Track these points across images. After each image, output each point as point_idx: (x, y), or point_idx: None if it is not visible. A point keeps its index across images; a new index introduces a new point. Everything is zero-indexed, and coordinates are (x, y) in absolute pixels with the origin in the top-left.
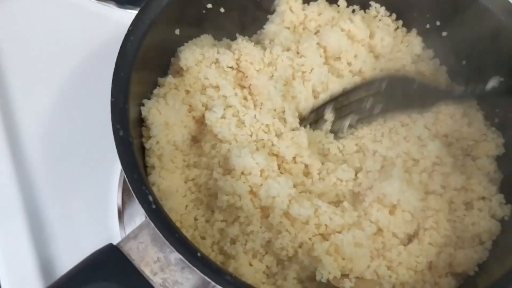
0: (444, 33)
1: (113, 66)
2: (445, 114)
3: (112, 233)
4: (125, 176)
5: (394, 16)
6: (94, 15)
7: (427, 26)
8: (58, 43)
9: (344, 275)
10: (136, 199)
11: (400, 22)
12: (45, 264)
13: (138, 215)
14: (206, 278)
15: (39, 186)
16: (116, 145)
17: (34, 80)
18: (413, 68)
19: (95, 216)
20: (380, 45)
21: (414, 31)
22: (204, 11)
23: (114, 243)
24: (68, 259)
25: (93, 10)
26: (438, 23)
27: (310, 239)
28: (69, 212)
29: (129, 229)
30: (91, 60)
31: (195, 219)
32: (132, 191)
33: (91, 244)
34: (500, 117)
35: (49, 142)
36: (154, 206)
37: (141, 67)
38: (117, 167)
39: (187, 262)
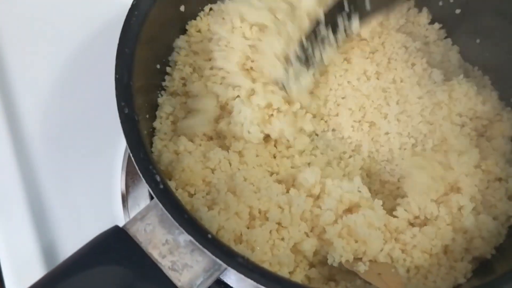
0: (458, 11)
1: (116, 44)
2: (459, 92)
3: (116, 217)
4: (131, 156)
5: None
6: None
7: (440, 3)
8: (60, 21)
9: (357, 259)
10: (143, 179)
11: (412, 3)
12: (47, 250)
13: (142, 199)
14: (218, 260)
15: (40, 170)
16: (122, 123)
17: (33, 61)
18: (424, 48)
19: (98, 200)
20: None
21: (425, 11)
22: None
23: (120, 225)
24: (71, 244)
25: None
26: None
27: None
28: (71, 196)
29: (133, 213)
30: (93, 39)
31: None
32: (138, 171)
33: (94, 229)
34: None
35: (50, 125)
36: (161, 186)
37: (146, 44)
38: (121, 149)
39: (197, 244)
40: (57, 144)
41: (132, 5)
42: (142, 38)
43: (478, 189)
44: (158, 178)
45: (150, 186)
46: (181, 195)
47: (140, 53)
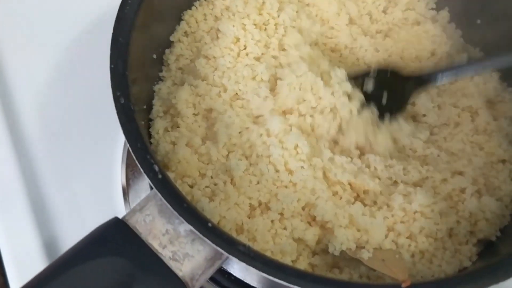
0: None
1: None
2: None
3: (118, 210)
4: (128, 146)
5: None
6: None
7: None
8: (54, 14)
9: (360, 247)
10: (141, 169)
11: None
12: (49, 243)
13: (143, 191)
14: (219, 249)
15: (40, 164)
16: (118, 113)
17: (30, 53)
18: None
19: (99, 193)
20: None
21: None
22: None
23: (120, 217)
24: (72, 238)
25: None
26: None
27: None
28: (72, 190)
29: None
30: (89, 31)
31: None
32: (136, 161)
33: (95, 222)
34: None
35: (49, 119)
36: (160, 176)
37: (141, 33)
38: (120, 141)
39: (197, 233)
40: (56, 138)
41: None
42: (137, 27)
43: (481, 171)
44: (156, 168)
45: (148, 176)
46: (181, 186)
47: (135, 42)
